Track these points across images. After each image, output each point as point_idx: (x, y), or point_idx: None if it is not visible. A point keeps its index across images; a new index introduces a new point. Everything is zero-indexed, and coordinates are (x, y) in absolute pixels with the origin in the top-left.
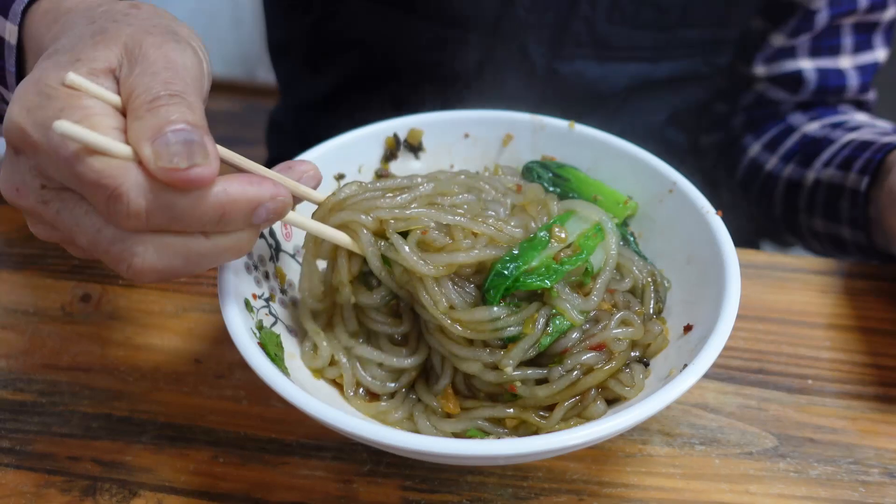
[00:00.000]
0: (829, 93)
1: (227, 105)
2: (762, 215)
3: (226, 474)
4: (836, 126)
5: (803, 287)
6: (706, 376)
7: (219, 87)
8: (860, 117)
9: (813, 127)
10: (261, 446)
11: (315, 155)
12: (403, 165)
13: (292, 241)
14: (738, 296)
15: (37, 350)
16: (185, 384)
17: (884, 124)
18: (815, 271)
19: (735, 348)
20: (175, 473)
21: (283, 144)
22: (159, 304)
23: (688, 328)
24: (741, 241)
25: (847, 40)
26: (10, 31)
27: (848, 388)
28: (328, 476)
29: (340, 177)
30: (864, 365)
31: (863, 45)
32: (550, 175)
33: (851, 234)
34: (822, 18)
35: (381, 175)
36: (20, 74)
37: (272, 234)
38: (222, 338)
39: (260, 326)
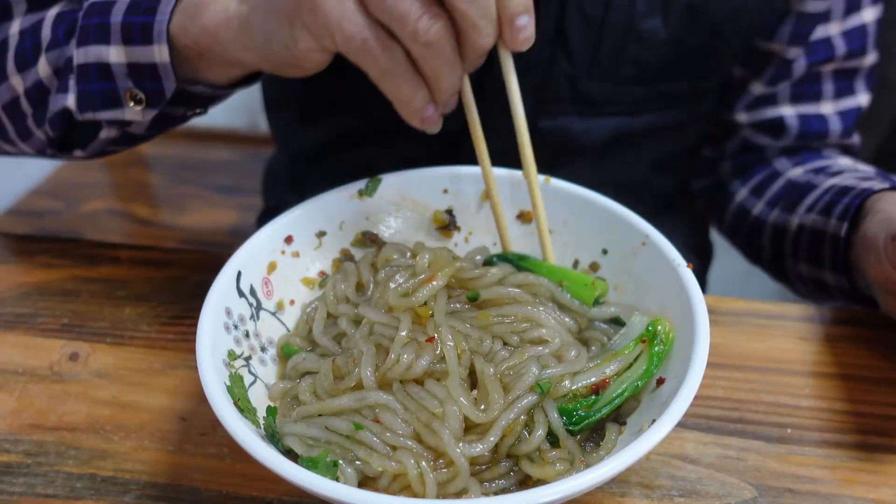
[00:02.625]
0: (811, 138)
1: (227, 154)
2: (751, 259)
3: None
4: (818, 171)
5: (783, 334)
6: (686, 426)
7: (220, 137)
8: (843, 161)
9: (797, 172)
10: None
11: (296, 214)
12: (383, 223)
13: (273, 298)
14: (706, 347)
15: (24, 410)
16: (169, 442)
17: (865, 168)
18: (795, 318)
19: (714, 397)
20: None
21: (278, 194)
22: (146, 362)
23: (660, 381)
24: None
25: (828, 87)
26: (161, 53)
27: (827, 437)
28: None
29: (322, 234)
30: (844, 412)
31: (844, 90)
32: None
33: (834, 279)
34: (799, 67)
35: (367, 237)
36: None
37: (253, 292)
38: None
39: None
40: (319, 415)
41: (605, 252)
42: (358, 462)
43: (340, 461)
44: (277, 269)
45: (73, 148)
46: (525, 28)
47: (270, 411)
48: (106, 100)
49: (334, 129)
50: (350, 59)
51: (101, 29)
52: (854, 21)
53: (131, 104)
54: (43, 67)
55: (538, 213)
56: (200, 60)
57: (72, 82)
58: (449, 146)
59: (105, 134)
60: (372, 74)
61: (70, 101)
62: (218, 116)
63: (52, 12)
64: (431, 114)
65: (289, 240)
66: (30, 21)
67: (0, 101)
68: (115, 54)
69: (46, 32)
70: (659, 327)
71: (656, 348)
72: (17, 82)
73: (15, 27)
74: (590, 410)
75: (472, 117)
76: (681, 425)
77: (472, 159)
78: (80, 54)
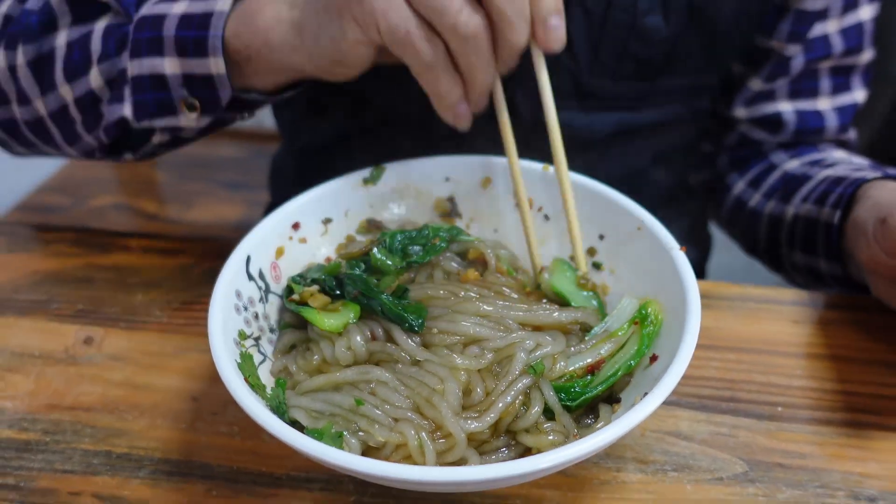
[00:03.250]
0: (808, 134)
1: (233, 151)
2: (748, 250)
3: None
4: (814, 163)
5: (776, 317)
6: (679, 405)
7: (227, 134)
8: (838, 154)
9: (793, 164)
10: (252, 479)
11: (302, 201)
12: (387, 211)
13: (281, 282)
14: (697, 325)
15: (41, 391)
16: (182, 421)
17: (859, 160)
18: (788, 302)
19: (708, 378)
20: None
21: (285, 189)
22: (158, 345)
23: (653, 359)
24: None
25: (825, 83)
26: (217, 65)
27: (817, 415)
28: None
29: (328, 221)
30: (834, 392)
31: (841, 87)
32: None
33: (828, 267)
34: (797, 64)
35: (372, 224)
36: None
37: (262, 276)
38: (217, 376)
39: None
40: (321, 389)
41: (601, 237)
42: (361, 433)
43: (345, 432)
44: (285, 254)
45: (123, 151)
46: (557, 28)
47: (280, 383)
48: (161, 108)
49: (340, 124)
50: (394, 52)
51: (154, 42)
52: (851, 19)
53: (186, 111)
54: (95, 78)
55: (569, 213)
56: (248, 65)
57: (127, 92)
58: (454, 142)
59: (158, 139)
60: (413, 67)
61: (126, 110)
62: None
63: (100, 25)
64: (464, 110)
65: (296, 226)
66: (78, 33)
67: (48, 109)
68: (169, 66)
69: (97, 45)
70: (649, 309)
71: (647, 329)
72: (67, 92)
73: (62, 39)
74: (586, 388)
75: (503, 118)
76: (675, 404)
77: (471, 150)
78: (135, 66)
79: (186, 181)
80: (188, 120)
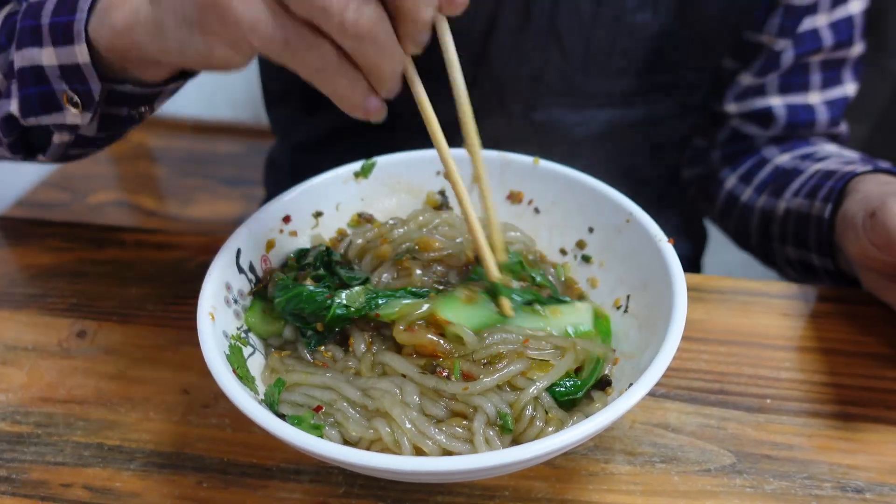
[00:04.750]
0: (799, 128)
1: (232, 147)
2: (740, 245)
3: (209, 498)
4: (805, 157)
5: (766, 310)
6: (668, 397)
7: (225, 130)
8: (829, 148)
9: (784, 158)
10: (243, 471)
11: (294, 194)
12: (378, 204)
13: None
14: (683, 318)
15: (34, 384)
16: (173, 413)
17: (850, 154)
18: (778, 295)
19: (697, 370)
20: (161, 498)
21: (280, 185)
22: (151, 339)
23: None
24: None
25: (815, 77)
26: (81, 52)
27: (805, 407)
28: (305, 499)
29: (318, 214)
30: (823, 384)
31: (831, 80)
32: None
33: (820, 261)
34: (787, 58)
35: (363, 218)
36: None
37: (252, 269)
38: (209, 370)
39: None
40: (300, 384)
41: (591, 230)
42: (338, 427)
43: (326, 426)
44: (276, 247)
45: (36, 152)
46: None
47: (279, 383)
48: (44, 104)
49: (334, 120)
50: (277, 62)
51: (34, 31)
52: (841, 12)
53: (70, 108)
54: None
55: (483, 186)
56: (124, 61)
57: (14, 87)
58: (450, 135)
59: (58, 138)
60: (302, 75)
61: (13, 106)
62: (223, 110)
63: (1, 13)
64: (374, 104)
65: (287, 219)
66: None
67: None
68: (46, 56)
69: None
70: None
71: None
72: None
73: None
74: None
75: (421, 98)
76: (664, 396)
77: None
78: (18, 58)
79: (185, 177)
80: (73, 116)
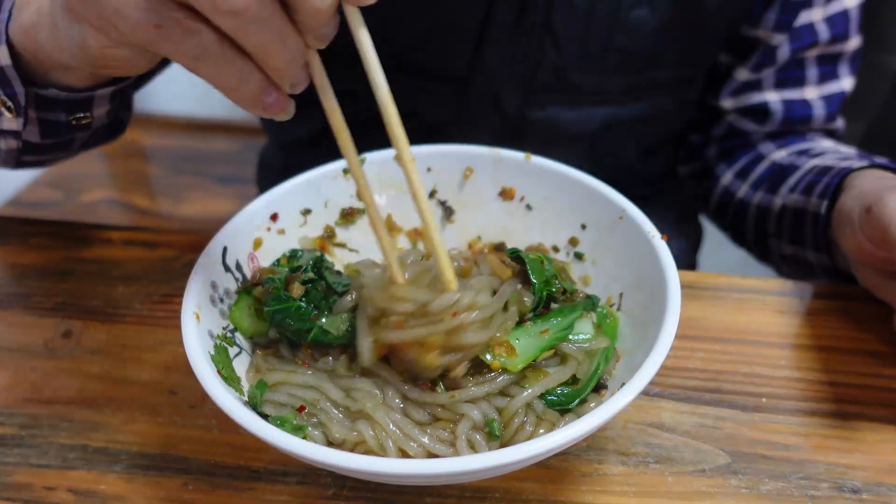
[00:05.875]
0: (796, 123)
1: (225, 145)
2: (735, 242)
3: (195, 500)
4: (801, 153)
5: (761, 307)
6: (663, 396)
7: (219, 128)
8: (826, 143)
9: (781, 154)
10: (229, 473)
11: (281, 191)
12: None
13: None
14: (677, 316)
15: (19, 385)
16: (159, 415)
17: (846, 149)
18: (773, 292)
19: (692, 369)
20: (147, 501)
21: (272, 183)
22: (137, 339)
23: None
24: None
25: (812, 72)
26: (2, 54)
27: (801, 406)
28: (292, 501)
29: (307, 212)
30: (818, 382)
31: (828, 75)
32: None
33: (816, 257)
34: (783, 53)
35: (348, 213)
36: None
37: (238, 267)
38: None
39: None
40: (283, 383)
41: (583, 227)
42: (321, 427)
43: (309, 427)
44: (263, 245)
45: None
46: None
47: (260, 385)
48: None
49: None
50: (153, 51)
51: None
52: (836, 6)
53: (5, 111)
54: None
55: (414, 188)
56: (37, 63)
57: None
58: (438, 133)
59: (4, 144)
60: (182, 64)
61: None
62: (216, 107)
63: None
64: (274, 98)
65: (274, 217)
66: None
67: None
68: None
69: None
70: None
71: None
72: None
73: None
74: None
75: (330, 103)
76: (658, 395)
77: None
78: None
79: (178, 175)
80: (9, 122)
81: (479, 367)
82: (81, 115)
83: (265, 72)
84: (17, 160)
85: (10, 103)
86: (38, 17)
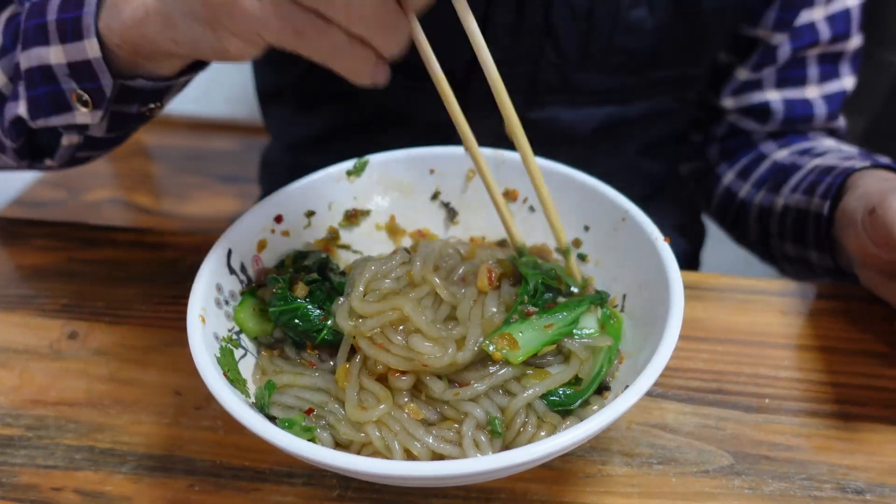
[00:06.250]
0: (797, 122)
1: (229, 144)
2: (738, 241)
3: (201, 502)
4: (803, 152)
5: (764, 308)
6: (666, 397)
7: (222, 127)
8: (828, 143)
9: (782, 154)
10: (235, 474)
11: (286, 193)
12: (372, 202)
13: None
14: (680, 317)
15: (25, 386)
16: (165, 416)
17: (848, 149)
18: (776, 293)
19: (695, 369)
20: (153, 502)
21: (275, 183)
22: (143, 340)
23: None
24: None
25: (813, 71)
26: (91, 47)
27: (804, 406)
28: (298, 502)
29: (311, 214)
30: (821, 383)
31: (829, 74)
32: None
33: (819, 258)
34: (784, 52)
35: (352, 215)
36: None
37: (243, 269)
38: None
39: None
40: (291, 385)
41: (586, 228)
42: (329, 429)
43: (318, 429)
44: (268, 247)
45: (43, 156)
46: None
47: (269, 386)
48: (53, 104)
49: (329, 119)
50: (289, 50)
51: (40, 30)
52: (838, 5)
53: (80, 107)
54: None
55: (545, 202)
56: (137, 56)
57: (21, 89)
58: (442, 134)
59: (67, 140)
60: (315, 59)
61: (21, 108)
62: (219, 106)
63: (2, 17)
64: (382, 71)
65: (279, 219)
66: None
67: None
68: (54, 55)
69: None
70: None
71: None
72: None
73: None
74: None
75: (434, 71)
76: (661, 396)
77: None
78: (24, 58)
79: (181, 174)
80: (83, 116)
81: (484, 361)
82: (154, 104)
83: (377, 50)
84: (72, 157)
85: (86, 97)
86: (144, 12)
